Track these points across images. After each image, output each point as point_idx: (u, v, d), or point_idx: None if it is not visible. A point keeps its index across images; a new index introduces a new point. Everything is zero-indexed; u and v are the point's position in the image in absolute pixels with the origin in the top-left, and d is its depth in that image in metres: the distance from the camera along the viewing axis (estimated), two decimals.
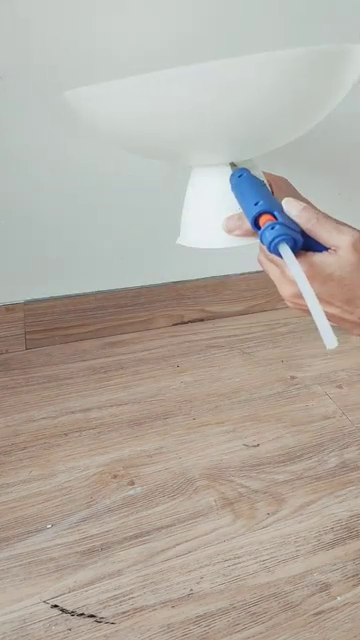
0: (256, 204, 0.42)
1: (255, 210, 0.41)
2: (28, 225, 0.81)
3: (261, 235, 0.40)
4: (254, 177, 0.46)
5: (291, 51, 0.40)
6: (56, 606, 0.48)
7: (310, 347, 0.87)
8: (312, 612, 0.47)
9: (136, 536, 0.54)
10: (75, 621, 0.47)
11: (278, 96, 0.43)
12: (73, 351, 0.87)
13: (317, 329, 0.36)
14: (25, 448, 0.67)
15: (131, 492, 0.60)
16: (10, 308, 0.85)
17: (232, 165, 0.49)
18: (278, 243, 0.39)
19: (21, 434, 0.69)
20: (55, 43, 0.71)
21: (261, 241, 0.40)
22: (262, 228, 0.40)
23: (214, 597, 0.49)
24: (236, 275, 0.97)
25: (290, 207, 0.43)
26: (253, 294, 0.98)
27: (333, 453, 0.65)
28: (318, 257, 0.42)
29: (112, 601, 0.48)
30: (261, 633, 0.46)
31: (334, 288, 0.42)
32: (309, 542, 0.54)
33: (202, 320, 0.97)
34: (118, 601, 0.48)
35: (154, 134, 0.47)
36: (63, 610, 0.48)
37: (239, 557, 0.52)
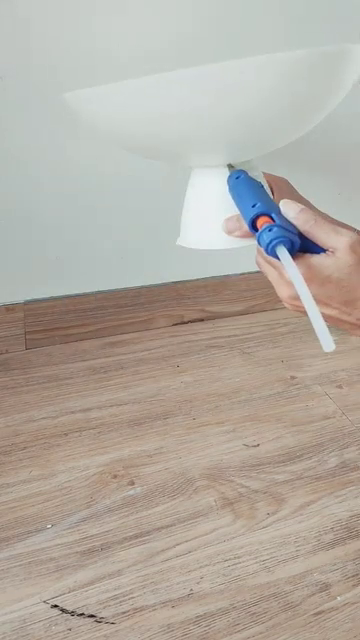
0: (253, 206, 0.42)
1: (252, 212, 0.41)
2: (28, 225, 0.81)
3: (259, 237, 0.40)
4: (251, 179, 0.46)
5: (291, 53, 0.40)
6: (56, 606, 0.48)
7: (310, 347, 0.87)
8: (312, 612, 0.47)
9: (136, 536, 0.55)
10: (75, 621, 0.47)
11: (278, 98, 0.43)
12: (73, 351, 0.87)
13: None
14: (25, 448, 0.67)
15: (131, 492, 0.60)
16: (10, 308, 0.85)
17: (229, 167, 0.49)
18: (275, 245, 0.39)
19: (21, 434, 0.69)
20: (55, 43, 0.71)
21: (259, 243, 0.40)
22: (260, 230, 0.40)
23: (214, 597, 0.49)
24: (236, 275, 0.97)
25: (288, 209, 0.43)
26: (253, 294, 0.98)
27: (333, 453, 0.65)
28: (316, 259, 0.42)
29: (112, 601, 0.49)
30: (261, 633, 0.46)
31: (332, 290, 0.43)
32: (309, 542, 0.54)
33: (202, 320, 0.97)
34: (118, 601, 0.48)
35: (154, 135, 0.47)
36: (63, 610, 0.48)
37: (239, 557, 0.52)
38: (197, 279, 0.94)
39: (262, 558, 0.52)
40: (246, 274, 0.97)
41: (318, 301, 0.38)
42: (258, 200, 0.42)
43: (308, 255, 0.42)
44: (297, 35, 0.78)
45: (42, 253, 0.84)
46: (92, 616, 0.47)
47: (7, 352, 0.86)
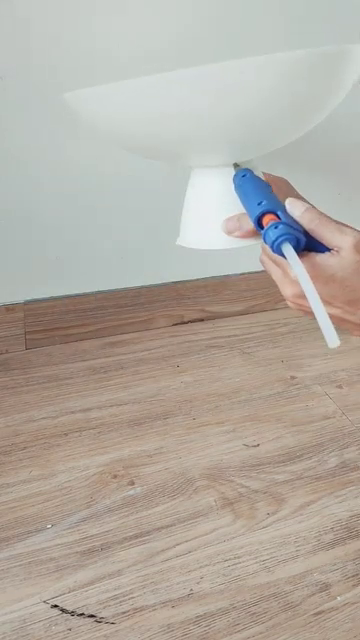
0: (259, 204, 0.42)
1: (259, 210, 0.41)
2: (28, 225, 0.81)
3: (264, 234, 0.40)
4: (257, 177, 0.46)
5: (291, 53, 0.40)
6: (56, 606, 0.48)
7: (310, 347, 0.87)
8: (312, 612, 0.47)
9: (136, 536, 0.55)
10: (75, 621, 0.47)
11: (278, 98, 0.43)
12: (73, 351, 0.87)
13: (319, 328, 0.36)
14: (25, 448, 0.67)
15: (131, 492, 0.60)
16: (10, 308, 0.85)
17: (235, 165, 0.49)
18: (281, 242, 0.39)
19: (21, 434, 0.69)
20: (55, 43, 0.71)
21: (264, 240, 0.40)
22: (265, 227, 0.40)
23: (214, 597, 0.49)
24: (236, 275, 0.97)
25: (293, 207, 0.43)
26: (253, 294, 0.98)
27: (333, 453, 0.65)
28: (320, 258, 0.42)
29: (112, 601, 0.48)
30: (261, 633, 0.46)
31: (336, 289, 0.43)
32: (309, 542, 0.54)
33: (202, 320, 0.97)
34: (118, 601, 0.48)
35: (154, 135, 0.47)
36: (63, 610, 0.48)
37: (239, 557, 0.52)
38: (197, 279, 0.94)
39: (262, 558, 0.52)
40: (246, 274, 0.97)
41: (321, 300, 0.38)
42: (264, 198, 0.42)
43: (313, 254, 0.42)
44: (297, 35, 0.78)
45: (42, 253, 0.84)
46: (92, 616, 0.47)
47: (7, 352, 0.86)
